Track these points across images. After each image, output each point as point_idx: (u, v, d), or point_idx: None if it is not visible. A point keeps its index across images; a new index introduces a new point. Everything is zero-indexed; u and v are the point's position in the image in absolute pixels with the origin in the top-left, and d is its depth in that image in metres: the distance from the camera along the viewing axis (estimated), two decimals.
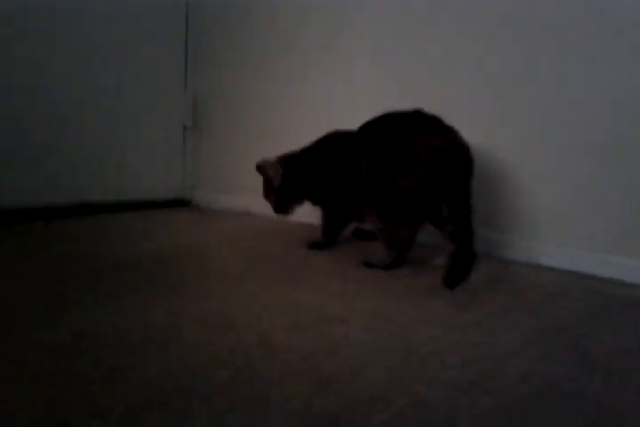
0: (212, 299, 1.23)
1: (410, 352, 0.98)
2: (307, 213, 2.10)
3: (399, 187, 1.49)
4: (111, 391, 0.78)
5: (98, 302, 1.16)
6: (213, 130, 2.67)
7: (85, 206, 2.31)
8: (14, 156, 2.11)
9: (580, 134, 1.68)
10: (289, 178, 1.79)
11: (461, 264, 1.36)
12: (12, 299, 1.18)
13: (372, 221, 1.66)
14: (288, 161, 1.81)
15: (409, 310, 1.22)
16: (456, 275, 1.37)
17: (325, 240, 1.84)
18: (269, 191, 1.85)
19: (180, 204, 2.70)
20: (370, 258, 1.63)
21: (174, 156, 2.70)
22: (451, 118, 1.55)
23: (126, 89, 2.45)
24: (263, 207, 2.43)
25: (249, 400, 0.78)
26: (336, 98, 2.24)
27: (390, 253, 1.60)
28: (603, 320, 1.23)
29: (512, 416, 0.77)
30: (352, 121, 1.73)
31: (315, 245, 1.83)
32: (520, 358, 0.98)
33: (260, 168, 1.83)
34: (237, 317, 1.12)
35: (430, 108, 1.58)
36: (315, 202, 1.85)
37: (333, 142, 1.80)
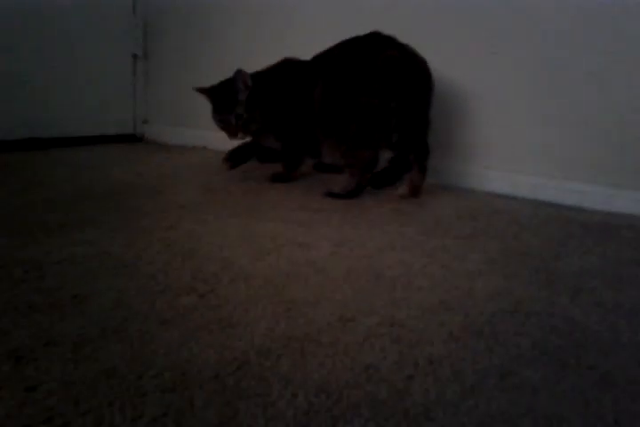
0: (170, 230, 1.17)
1: (377, 276, 0.96)
2: None
3: (360, 104, 1.47)
4: (64, 320, 0.73)
5: (52, 234, 1.09)
6: (166, 58, 2.50)
7: (32, 141, 2.17)
8: None
9: (530, 57, 1.64)
10: (256, 94, 1.65)
11: (393, 170, 1.55)
12: None
13: (330, 153, 1.61)
14: (254, 78, 1.67)
15: (375, 237, 1.19)
16: (384, 177, 1.57)
17: (287, 172, 1.78)
18: (225, 110, 1.67)
19: (132, 139, 2.56)
20: (333, 188, 1.58)
21: (123, 87, 2.52)
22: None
23: (68, 13, 2.25)
24: (221, 142, 2.34)
25: (211, 325, 0.74)
26: (300, 19, 2.12)
27: (353, 178, 1.55)
28: (566, 243, 1.23)
29: (482, 333, 0.76)
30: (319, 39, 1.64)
31: (277, 178, 1.77)
32: (487, 279, 0.97)
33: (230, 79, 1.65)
34: (197, 246, 1.07)
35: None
36: (271, 130, 1.75)
37: (288, 70, 1.71)
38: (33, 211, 1.27)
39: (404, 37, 1.54)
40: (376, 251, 1.10)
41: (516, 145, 1.73)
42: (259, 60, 2.09)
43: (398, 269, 1.00)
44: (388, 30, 1.55)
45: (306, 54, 1.69)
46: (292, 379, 0.62)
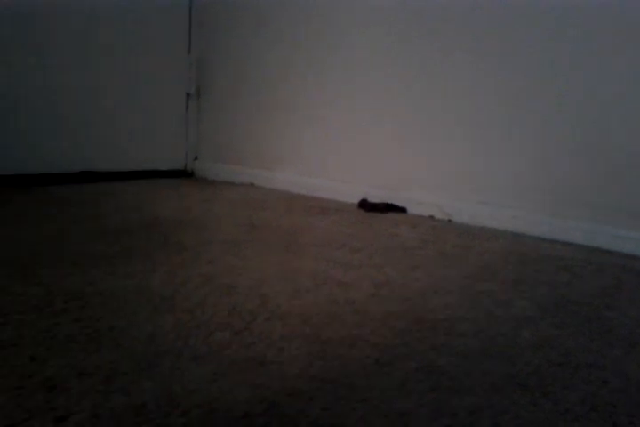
0: (210, 264, 1.18)
1: (418, 320, 0.93)
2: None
3: None
4: (99, 352, 0.73)
5: (96, 265, 1.11)
6: (218, 98, 2.58)
7: (85, 175, 2.25)
8: (18, 124, 2.05)
9: None
10: None
11: None
12: (9, 258, 1.13)
13: None
14: None
15: (418, 279, 1.16)
16: None
17: None
18: None
19: (183, 175, 2.63)
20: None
21: (176, 125, 2.61)
22: None
23: (125, 53, 2.36)
24: (266, 179, 2.37)
25: (243, 362, 0.72)
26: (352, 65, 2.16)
27: None
28: (620, 292, 1.17)
29: (527, 384, 0.71)
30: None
31: None
32: (534, 327, 0.93)
33: None
34: (236, 281, 1.07)
35: None
36: None
37: None
38: (79, 242, 1.30)
39: None
40: (418, 294, 1.06)
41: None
42: (304, 100, 2.13)
43: (440, 313, 0.97)
44: None
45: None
46: (323, 424, 0.59)
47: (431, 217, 1.90)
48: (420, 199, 1.95)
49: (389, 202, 2.00)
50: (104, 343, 0.76)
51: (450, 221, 1.86)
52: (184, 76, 2.60)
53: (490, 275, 1.23)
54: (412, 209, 1.97)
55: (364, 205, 2.01)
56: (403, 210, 1.98)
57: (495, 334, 0.88)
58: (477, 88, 1.81)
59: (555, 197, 1.69)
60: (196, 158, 2.68)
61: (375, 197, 2.03)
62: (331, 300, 0.99)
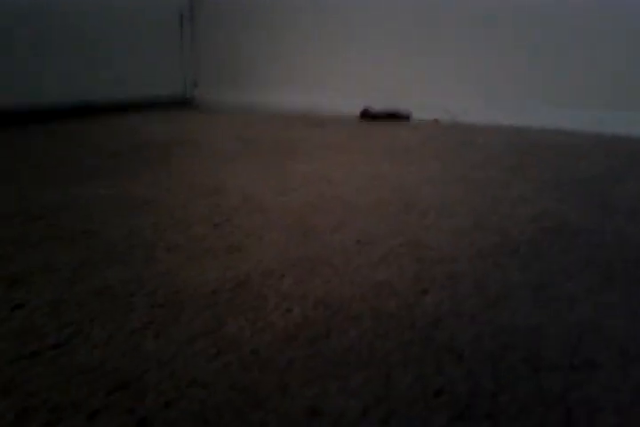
0: (199, 174, 1.14)
1: (408, 205, 0.88)
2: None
3: None
4: (70, 250, 0.71)
5: (80, 182, 1.08)
6: (214, 18, 2.45)
7: (80, 107, 2.20)
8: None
9: None
10: None
11: None
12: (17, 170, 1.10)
13: None
14: None
15: (413, 172, 1.11)
16: None
17: None
18: None
19: (181, 103, 2.55)
20: None
21: (171, 48, 2.50)
22: None
23: None
24: (269, 101, 2.29)
25: (219, 250, 0.69)
26: None
27: None
28: (627, 172, 1.10)
29: (518, 251, 0.67)
30: None
31: None
32: (533, 204, 0.87)
33: None
34: (223, 185, 1.03)
35: None
36: None
37: None
38: (68, 166, 1.27)
39: None
40: (412, 185, 1.01)
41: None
42: (311, 17, 2.02)
43: (434, 199, 0.92)
44: None
45: None
46: (291, 295, 0.56)
47: (436, 120, 1.82)
48: (424, 103, 1.86)
49: (392, 110, 1.92)
50: (77, 243, 0.73)
51: (455, 122, 1.78)
52: None
53: (490, 164, 1.17)
54: (417, 115, 1.88)
55: (366, 114, 1.93)
56: (406, 117, 1.90)
57: (490, 212, 0.84)
58: None
59: (559, 87, 1.59)
60: (195, 85, 2.59)
61: (378, 107, 1.94)
62: (318, 194, 0.95)
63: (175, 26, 2.50)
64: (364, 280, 0.59)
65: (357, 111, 1.97)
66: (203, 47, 2.53)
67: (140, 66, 2.39)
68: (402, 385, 0.40)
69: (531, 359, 0.44)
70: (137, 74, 2.39)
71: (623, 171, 1.10)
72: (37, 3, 2.06)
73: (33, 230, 0.78)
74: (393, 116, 1.88)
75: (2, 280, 0.61)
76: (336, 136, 1.58)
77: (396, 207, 0.87)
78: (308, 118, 2.00)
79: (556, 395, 0.39)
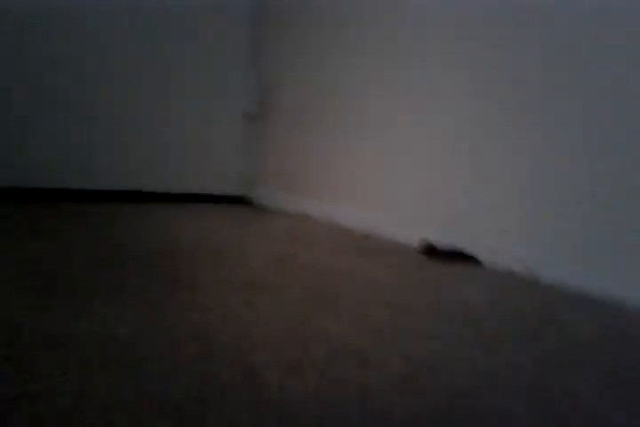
0: (208, 311, 0.93)
1: None
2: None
3: None
4: None
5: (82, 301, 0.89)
6: (280, 120, 2.37)
7: (139, 194, 2.11)
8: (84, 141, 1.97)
9: None
10: None
11: None
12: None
13: None
14: None
15: (478, 358, 0.85)
16: None
17: None
18: None
19: (239, 201, 2.43)
20: None
21: (234, 148, 2.42)
22: None
23: (183, 70, 2.21)
24: (324, 211, 2.13)
25: None
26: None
27: None
28: None
29: None
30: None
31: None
32: None
33: None
34: (222, 339, 0.81)
35: None
36: None
37: None
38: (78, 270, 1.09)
39: None
40: (469, 385, 0.75)
41: None
42: (375, 116, 1.89)
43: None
44: None
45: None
46: None
47: (509, 272, 1.56)
48: (496, 248, 1.62)
49: (458, 249, 1.68)
50: None
51: (534, 277, 1.51)
52: (244, 96, 2.42)
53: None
54: (486, 259, 1.63)
55: (432, 251, 1.69)
56: (475, 260, 1.65)
57: None
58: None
59: None
60: (253, 185, 2.48)
61: (441, 242, 1.71)
62: (341, 383, 0.70)
63: (238, 124, 2.43)
64: None
65: (415, 241, 1.74)
66: (266, 149, 2.43)
67: (204, 163, 2.33)
68: None
69: None
70: (200, 169, 2.31)
71: None
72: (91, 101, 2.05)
73: None
74: (461, 256, 1.64)
75: None
76: (386, 276, 1.34)
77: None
78: (360, 240, 1.80)
79: None
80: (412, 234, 1.79)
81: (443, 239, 1.72)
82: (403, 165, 1.91)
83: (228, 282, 1.13)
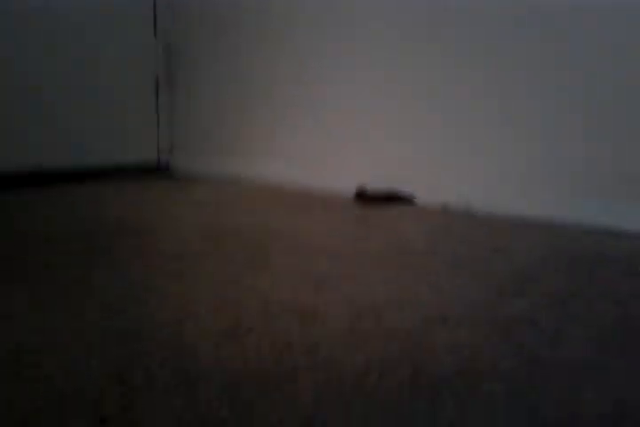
0: (135, 285, 0.83)
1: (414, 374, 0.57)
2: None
3: None
4: None
5: None
6: (195, 81, 2.22)
7: (48, 174, 1.93)
8: None
9: None
10: None
11: None
12: None
13: None
14: None
15: (418, 301, 0.80)
16: None
17: None
18: None
19: (156, 170, 2.26)
20: None
21: (146, 114, 2.25)
22: None
23: (92, 34, 2.02)
24: (252, 172, 2.04)
25: None
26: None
27: None
28: None
29: None
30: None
31: None
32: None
33: None
34: (156, 312, 0.72)
35: None
36: None
37: None
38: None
39: None
40: (417, 327, 0.71)
41: None
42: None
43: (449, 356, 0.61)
44: None
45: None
46: None
47: (444, 206, 1.53)
48: (430, 184, 1.59)
49: (392, 191, 1.64)
50: None
51: (470, 210, 1.49)
52: (152, 60, 2.25)
53: (530, 289, 0.86)
54: (422, 197, 1.60)
55: (362, 195, 1.64)
56: (409, 200, 1.61)
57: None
58: None
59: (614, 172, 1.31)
60: (171, 151, 2.33)
61: (376, 185, 1.66)
62: (280, 342, 0.64)
63: (150, 88, 2.27)
64: None
65: (351, 189, 1.68)
66: (181, 112, 2.29)
67: (114, 132, 2.15)
68: None
69: None
70: (110, 140, 2.14)
71: None
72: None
73: None
74: (393, 199, 1.60)
75: None
76: (321, 229, 1.28)
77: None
78: (292, 196, 1.72)
79: None
80: (347, 181, 1.72)
81: (380, 183, 1.66)
82: (334, 117, 1.82)
83: (154, 254, 1.04)
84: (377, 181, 1.66)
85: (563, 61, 1.35)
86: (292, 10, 1.88)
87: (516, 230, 1.27)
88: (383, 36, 1.66)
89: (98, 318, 0.71)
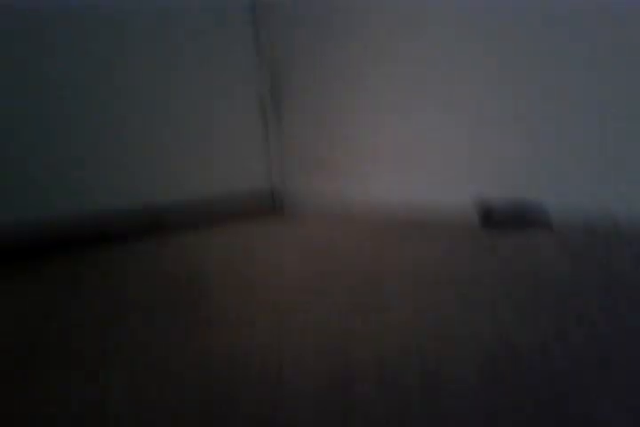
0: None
1: None
2: None
3: None
4: None
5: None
6: (298, 110, 2.17)
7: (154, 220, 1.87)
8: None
9: None
10: None
11: None
12: None
13: None
14: None
15: None
16: None
17: None
18: None
19: (271, 201, 2.19)
20: None
21: (253, 147, 2.20)
22: None
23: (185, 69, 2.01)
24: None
25: None
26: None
27: None
28: None
29: None
30: None
31: None
32: None
33: None
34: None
35: None
36: None
37: None
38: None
39: None
40: None
41: None
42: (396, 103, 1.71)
43: None
44: None
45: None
46: None
47: (587, 227, 1.32)
48: (561, 191, 1.37)
49: (520, 203, 1.42)
50: None
51: (618, 230, 1.26)
52: (257, 88, 2.21)
53: None
54: (551, 207, 1.39)
55: (489, 217, 1.44)
56: (546, 223, 1.39)
57: None
58: None
59: None
60: (283, 182, 2.27)
61: (497, 195, 1.47)
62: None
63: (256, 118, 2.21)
64: None
65: (471, 201, 1.49)
66: (290, 141, 2.24)
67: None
68: None
69: None
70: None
71: None
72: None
73: None
74: (523, 221, 1.41)
75: None
76: (449, 271, 1.08)
77: None
78: (408, 224, 1.56)
79: None
80: (463, 193, 1.55)
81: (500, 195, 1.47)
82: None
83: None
84: (498, 191, 1.49)
85: None
86: (395, 41, 1.79)
87: None
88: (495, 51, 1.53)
89: None
